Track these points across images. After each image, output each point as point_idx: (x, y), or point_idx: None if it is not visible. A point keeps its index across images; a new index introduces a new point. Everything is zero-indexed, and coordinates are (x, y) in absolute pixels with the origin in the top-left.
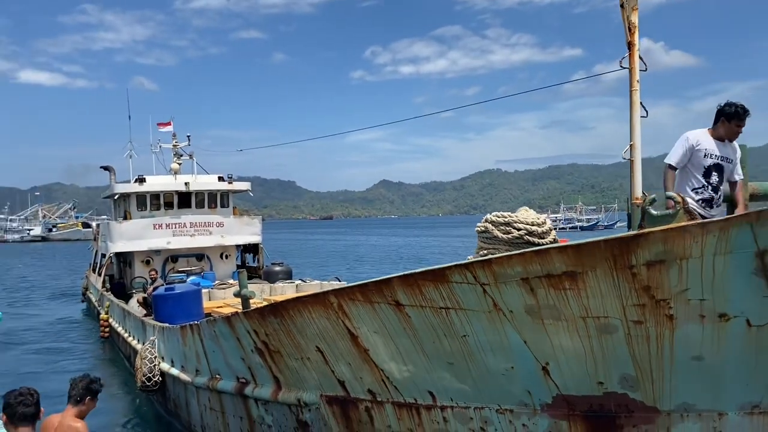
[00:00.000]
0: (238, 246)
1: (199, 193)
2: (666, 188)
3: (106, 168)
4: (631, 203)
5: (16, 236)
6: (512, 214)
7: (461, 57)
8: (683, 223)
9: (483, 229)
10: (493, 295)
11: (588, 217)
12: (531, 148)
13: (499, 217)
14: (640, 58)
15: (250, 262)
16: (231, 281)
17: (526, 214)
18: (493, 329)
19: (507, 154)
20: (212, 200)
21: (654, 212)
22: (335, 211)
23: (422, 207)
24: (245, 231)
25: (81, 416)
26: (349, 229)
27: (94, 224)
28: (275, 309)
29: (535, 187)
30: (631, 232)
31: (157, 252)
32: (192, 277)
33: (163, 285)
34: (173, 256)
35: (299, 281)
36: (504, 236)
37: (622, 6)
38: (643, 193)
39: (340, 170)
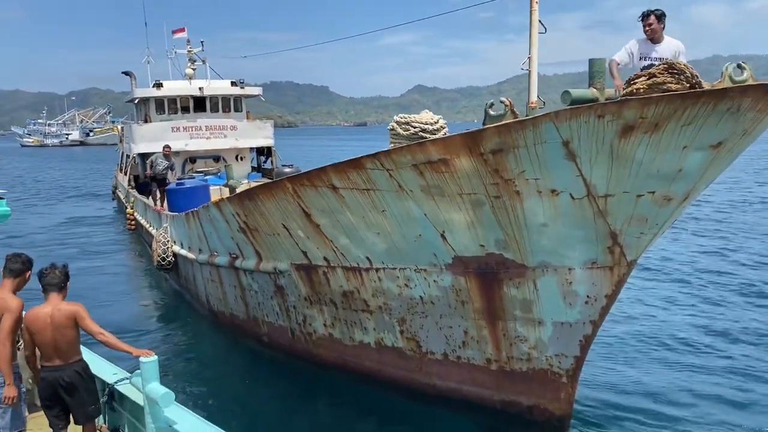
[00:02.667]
0: (252, 149)
1: (213, 98)
2: (613, 78)
3: (126, 73)
4: (528, 107)
5: (56, 141)
6: (412, 116)
7: None
8: (508, 121)
9: (391, 127)
10: (396, 178)
11: None
12: (571, 50)
13: (402, 118)
14: None
15: (264, 164)
16: (245, 182)
17: (423, 116)
18: (401, 204)
19: (546, 57)
20: (226, 105)
21: (492, 113)
22: (369, 117)
23: (457, 113)
24: (258, 135)
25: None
26: (381, 135)
27: (119, 127)
28: (249, 193)
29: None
30: (478, 128)
31: (176, 153)
32: (208, 177)
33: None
34: (192, 158)
35: None
36: (404, 133)
37: None
38: (538, 97)
39: (374, 75)
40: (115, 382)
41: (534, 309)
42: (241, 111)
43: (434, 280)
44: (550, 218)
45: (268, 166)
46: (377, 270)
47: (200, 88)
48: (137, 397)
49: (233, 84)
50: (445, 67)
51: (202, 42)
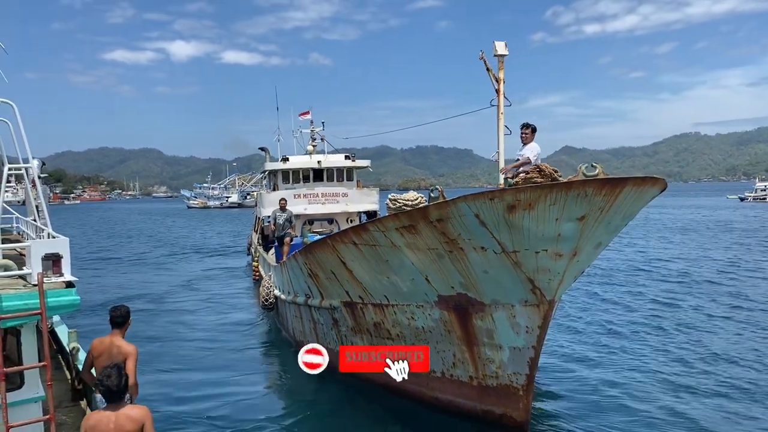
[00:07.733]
0: (360, 213)
1: (329, 170)
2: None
3: (262, 149)
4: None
5: (217, 203)
6: (399, 195)
7: (654, 12)
8: (438, 201)
9: (387, 202)
10: (389, 237)
11: None
12: (736, 108)
13: (392, 196)
14: (505, 97)
15: None
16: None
17: (408, 195)
18: (396, 256)
19: (707, 116)
20: (340, 175)
21: (432, 195)
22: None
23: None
24: (365, 200)
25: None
26: None
27: (255, 193)
28: (309, 248)
29: (740, 152)
30: (426, 204)
31: (297, 216)
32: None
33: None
34: (309, 220)
35: None
36: (392, 206)
37: (488, 69)
38: (505, 178)
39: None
40: None
41: (495, 336)
42: (353, 180)
43: (429, 314)
44: (487, 267)
45: None
46: (392, 306)
47: (319, 162)
48: None
49: (347, 157)
50: (594, 127)
51: (323, 123)
